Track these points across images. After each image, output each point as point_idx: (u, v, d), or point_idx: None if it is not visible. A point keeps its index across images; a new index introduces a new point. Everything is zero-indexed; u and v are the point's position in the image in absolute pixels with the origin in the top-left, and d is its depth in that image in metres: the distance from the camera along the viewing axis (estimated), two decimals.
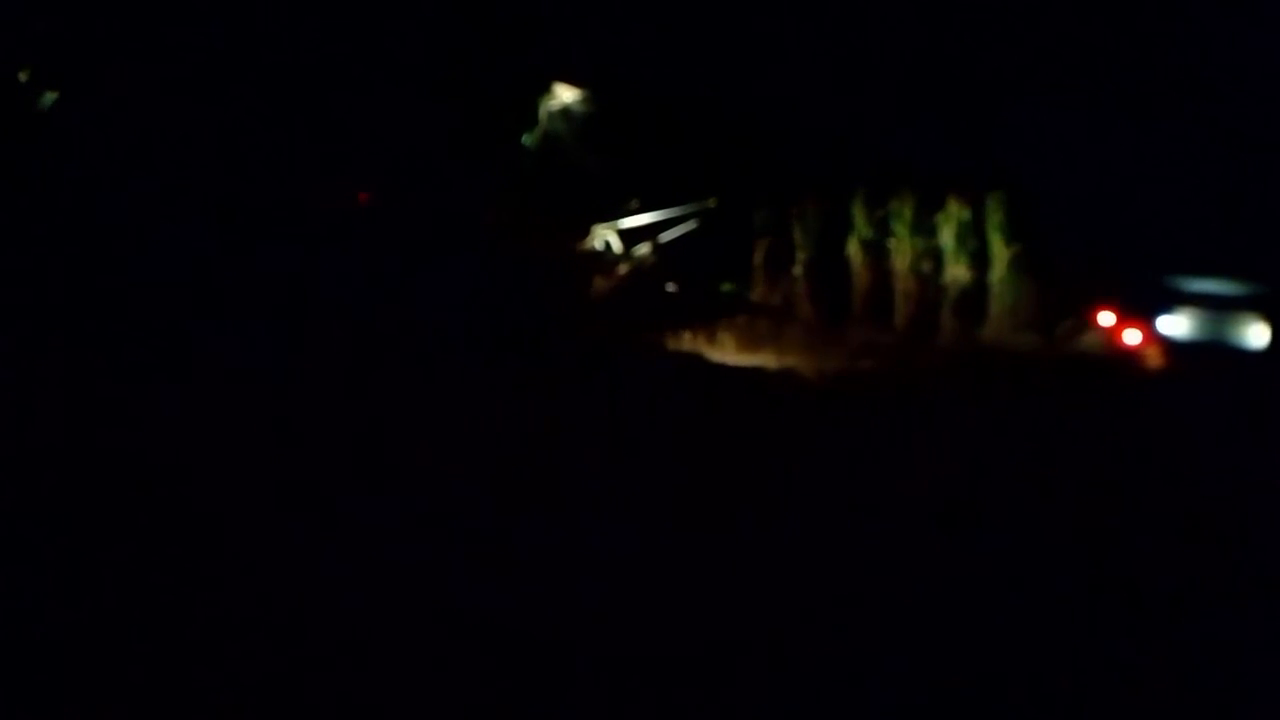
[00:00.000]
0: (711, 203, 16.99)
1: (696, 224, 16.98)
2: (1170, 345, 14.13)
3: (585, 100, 16.98)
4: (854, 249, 16.80)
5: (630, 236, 16.95)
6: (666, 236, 16.96)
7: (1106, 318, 14.90)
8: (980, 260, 16.32)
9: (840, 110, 16.21)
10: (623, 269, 16.65)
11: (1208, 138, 15.19)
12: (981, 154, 16.04)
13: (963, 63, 16.09)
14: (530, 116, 16.89)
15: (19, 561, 5.54)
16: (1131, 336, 14.56)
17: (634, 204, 16.84)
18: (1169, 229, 14.66)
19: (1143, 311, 14.35)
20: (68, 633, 4.74)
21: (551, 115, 16.99)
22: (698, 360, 13.92)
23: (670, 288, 16.57)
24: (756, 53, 16.41)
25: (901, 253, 16.57)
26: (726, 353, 14.49)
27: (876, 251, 16.73)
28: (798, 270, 17.03)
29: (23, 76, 14.82)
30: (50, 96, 14.72)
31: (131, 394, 9.33)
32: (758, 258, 17.18)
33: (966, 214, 16.29)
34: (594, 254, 16.83)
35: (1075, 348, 15.47)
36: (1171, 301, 14.11)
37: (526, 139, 16.81)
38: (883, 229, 16.73)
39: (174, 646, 4.67)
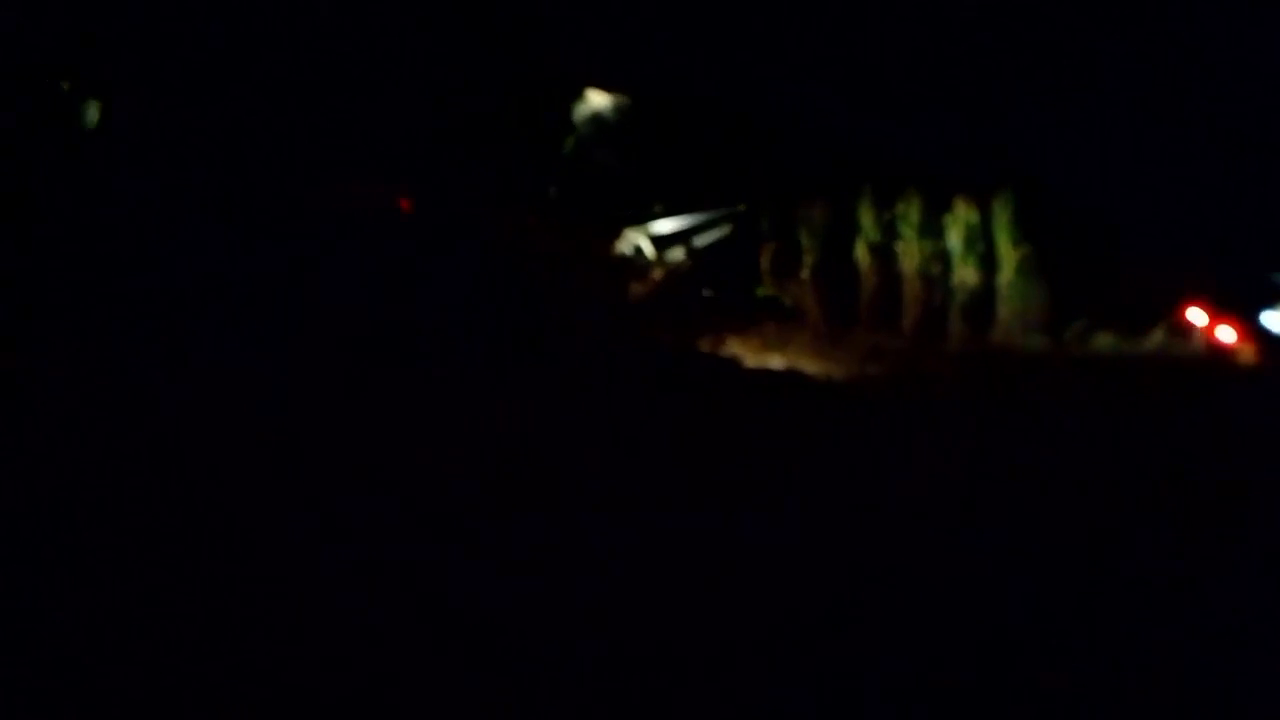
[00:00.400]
0: (742, 207, 16.92)
1: (730, 229, 16.91)
2: (1273, 341, 13.94)
3: (616, 105, 16.93)
4: (861, 252, 16.67)
5: (662, 241, 16.87)
6: (700, 241, 16.86)
7: (1198, 315, 14.67)
8: (988, 262, 16.20)
9: (846, 111, 16.11)
10: (656, 273, 16.58)
11: (1220, 132, 15.06)
12: (990, 154, 15.93)
13: (969, 63, 15.98)
14: (563, 121, 16.85)
15: (19, 561, 5.53)
16: (1225, 334, 14.36)
17: (658, 208, 16.76)
18: (1189, 222, 14.54)
19: (1241, 308, 14.16)
20: (68, 632, 4.73)
21: (582, 119, 16.96)
22: (713, 361, 13.89)
23: (705, 292, 16.51)
24: (762, 54, 16.33)
25: (909, 256, 16.44)
26: (740, 355, 14.47)
27: (884, 255, 16.60)
28: (805, 274, 16.91)
29: (65, 86, 14.76)
30: (93, 105, 14.66)
31: (131, 392, 9.31)
32: (765, 261, 17.09)
33: (974, 216, 16.17)
34: (624, 258, 16.76)
35: (1087, 350, 15.34)
36: (1276, 298, 13.92)
37: (566, 142, 16.79)
38: (890, 232, 16.61)
39: (173, 646, 4.65)
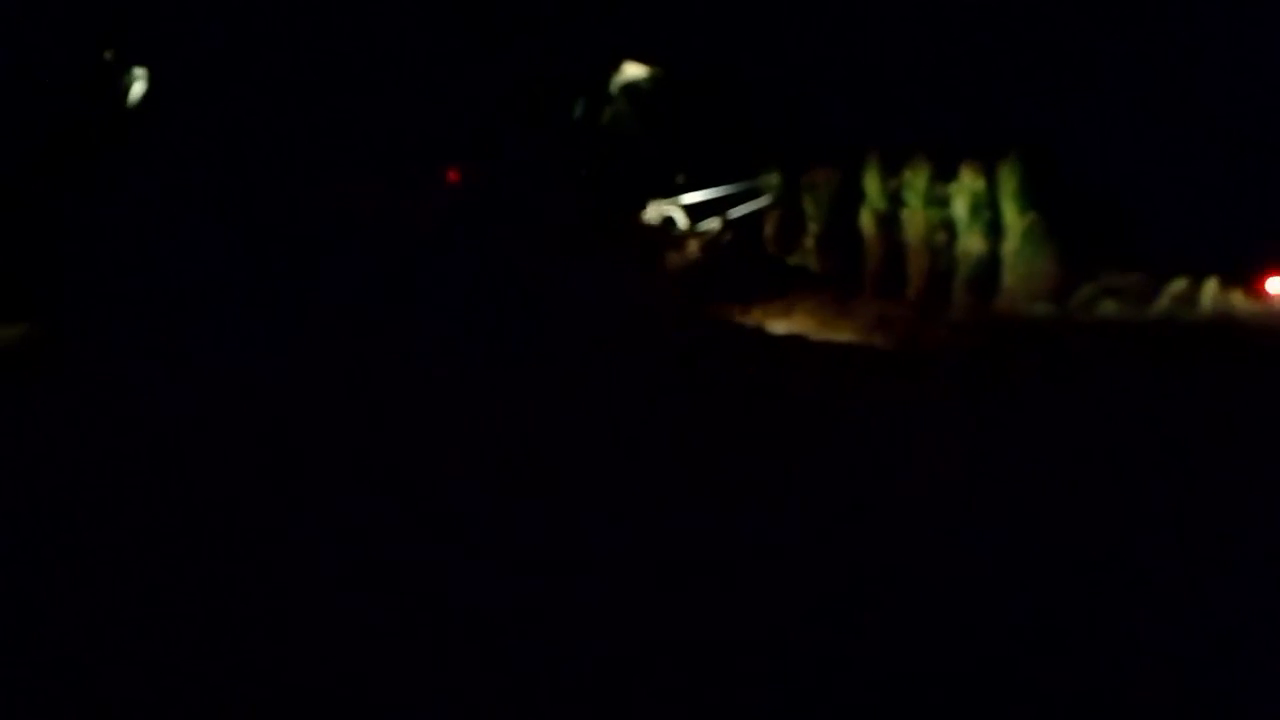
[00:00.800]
0: (774, 178, 16.78)
1: (768, 199, 16.78)
2: None
3: (650, 77, 16.76)
4: (866, 220, 16.54)
5: (695, 211, 16.74)
6: (736, 211, 16.73)
7: (1277, 284, 14.65)
8: (995, 230, 16.05)
9: (851, 79, 15.92)
10: (691, 244, 16.46)
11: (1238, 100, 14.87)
12: (997, 119, 15.74)
13: (977, 28, 15.76)
14: (600, 93, 16.69)
15: (20, 562, 5.56)
16: None
17: (680, 179, 16.62)
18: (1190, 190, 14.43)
19: None
20: (69, 632, 4.75)
21: (616, 92, 16.81)
22: (716, 328, 13.84)
23: (744, 262, 16.43)
24: (769, 24, 16.12)
25: (914, 224, 16.30)
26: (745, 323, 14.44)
27: (889, 223, 16.46)
28: (809, 243, 16.80)
29: (108, 55, 14.64)
30: (139, 73, 14.52)
31: (127, 393, 9.30)
32: (769, 229, 16.97)
33: (981, 183, 16.00)
34: (654, 229, 16.64)
35: (1094, 317, 15.22)
36: None
37: (605, 114, 16.66)
38: (896, 200, 16.46)
39: (174, 644, 4.69)
